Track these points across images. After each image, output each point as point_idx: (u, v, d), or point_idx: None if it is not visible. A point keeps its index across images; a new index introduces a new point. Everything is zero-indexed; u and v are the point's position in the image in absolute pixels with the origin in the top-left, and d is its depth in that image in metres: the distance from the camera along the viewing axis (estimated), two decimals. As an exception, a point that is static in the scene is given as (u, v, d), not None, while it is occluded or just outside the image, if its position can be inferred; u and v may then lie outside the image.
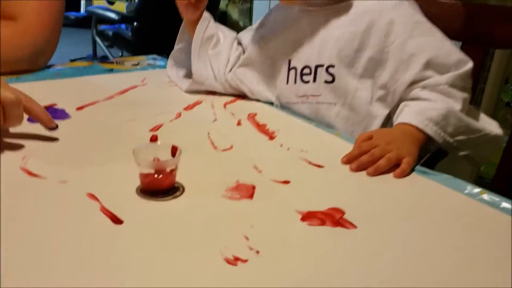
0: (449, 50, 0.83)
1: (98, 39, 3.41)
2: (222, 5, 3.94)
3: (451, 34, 0.87)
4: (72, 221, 0.53)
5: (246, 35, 1.01)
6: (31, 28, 1.02)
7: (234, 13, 4.01)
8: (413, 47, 0.83)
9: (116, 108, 0.89)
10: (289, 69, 0.93)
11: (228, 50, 1.00)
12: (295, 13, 0.93)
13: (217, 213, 0.56)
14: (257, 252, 0.49)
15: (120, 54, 3.70)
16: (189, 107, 0.90)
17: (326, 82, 0.89)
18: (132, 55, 3.32)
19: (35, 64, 1.06)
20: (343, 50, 0.86)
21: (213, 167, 0.68)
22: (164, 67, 1.17)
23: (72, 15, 5.10)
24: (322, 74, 0.89)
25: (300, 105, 0.92)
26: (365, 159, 0.69)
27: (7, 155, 0.67)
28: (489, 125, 0.86)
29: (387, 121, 0.88)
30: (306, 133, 0.82)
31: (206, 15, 1.00)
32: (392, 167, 0.69)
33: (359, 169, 0.69)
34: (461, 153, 0.82)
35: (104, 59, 3.41)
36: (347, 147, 0.74)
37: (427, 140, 0.78)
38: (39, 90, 0.97)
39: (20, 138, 0.72)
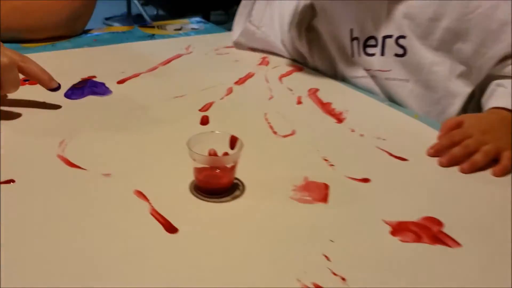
0: None
1: (133, -3, 3.30)
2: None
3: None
4: (118, 226, 0.45)
5: None
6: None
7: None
8: (506, 12, 0.69)
9: (161, 82, 0.79)
10: (351, 40, 0.81)
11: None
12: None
13: (286, 221, 0.47)
14: (343, 279, 0.39)
15: (155, 12, 3.59)
16: (240, 81, 0.80)
17: (396, 55, 0.76)
18: (168, 14, 3.20)
19: (72, 29, 0.97)
20: (416, 18, 0.73)
21: (275, 158, 0.58)
22: (210, 32, 1.07)
23: (106, -29, 4.98)
24: (391, 46, 0.76)
25: (365, 81, 0.80)
26: (458, 152, 0.58)
27: (42, 139, 0.59)
28: None
29: (470, 100, 0.76)
30: (379, 115, 0.71)
31: None
32: (489, 163, 0.57)
33: (450, 163, 0.57)
34: None
35: (139, 18, 3.31)
36: (430, 134, 0.63)
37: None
38: (76, 59, 0.88)
39: (52, 115, 0.65)
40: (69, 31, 0.96)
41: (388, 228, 0.46)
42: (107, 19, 3.44)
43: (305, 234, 0.45)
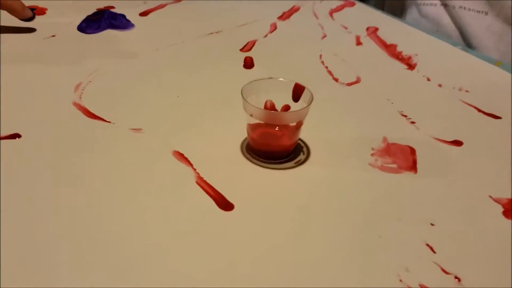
0: None
1: None
2: None
3: None
4: (154, 200, 0.35)
5: None
6: None
7: None
8: None
9: (190, 15, 0.67)
10: None
11: None
12: None
13: (368, 195, 0.36)
14: (457, 279, 0.30)
15: None
16: (284, 16, 0.67)
17: None
18: None
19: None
20: None
21: (342, 113, 0.47)
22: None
23: None
24: None
25: (434, 9, 0.68)
26: None
27: (53, 81, 0.48)
28: None
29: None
30: (455, 61, 0.59)
31: None
32: None
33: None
34: None
35: None
36: (521, 86, 0.52)
37: None
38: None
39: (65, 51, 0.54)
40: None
41: (498, 208, 0.36)
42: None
43: (396, 214, 0.35)
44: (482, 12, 0.65)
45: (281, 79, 0.40)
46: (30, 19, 0.57)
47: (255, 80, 0.40)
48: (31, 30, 0.57)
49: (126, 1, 0.67)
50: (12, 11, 0.55)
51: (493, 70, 0.57)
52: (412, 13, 0.70)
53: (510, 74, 0.55)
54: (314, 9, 0.70)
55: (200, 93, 0.48)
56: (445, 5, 0.67)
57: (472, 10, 0.65)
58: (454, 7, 0.66)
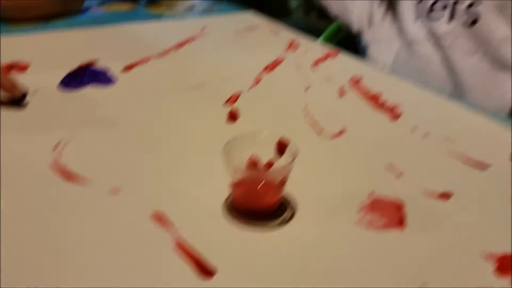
0: None
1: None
2: None
3: None
4: (131, 269, 0.33)
5: None
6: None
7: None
8: None
9: (174, 69, 0.67)
10: (419, 1, 0.73)
11: None
12: None
13: (358, 253, 0.35)
14: None
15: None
16: (268, 68, 0.68)
17: (465, 24, 0.68)
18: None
19: (69, 7, 0.85)
20: None
21: (326, 166, 0.46)
22: (227, 11, 0.94)
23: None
24: (461, 13, 0.68)
25: (426, 47, 0.73)
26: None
27: (30, 140, 0.48)
28: None
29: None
30: (439, 110, 0.59)
31: None
32: None
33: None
34: None
35: None
36: (506, 134, 0.52)
37: None
38: (73, 42, 0.76)
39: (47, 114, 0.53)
40: (66, 9, 0.84)
41: (490, 265, 0.34)
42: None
43: (387, 274, 0.33)
44: (469, 51, 0.68)
45: (264, 133, 0.39)
46: (20, 99, 0.52)
47: (237, 136, 0.39)
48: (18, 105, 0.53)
49: (109, 56, 0.67)
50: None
51: (474, 117, 0.57)
52: (401, 51, 0.74)
53: (493, 121, 0.55)
54: (297, 61, 0.70)
55: (182, 149, 0.47)
56: (431, 45, 0.71)
57: (460, 50, 0.69)
58: (442, 46, 0.70)
